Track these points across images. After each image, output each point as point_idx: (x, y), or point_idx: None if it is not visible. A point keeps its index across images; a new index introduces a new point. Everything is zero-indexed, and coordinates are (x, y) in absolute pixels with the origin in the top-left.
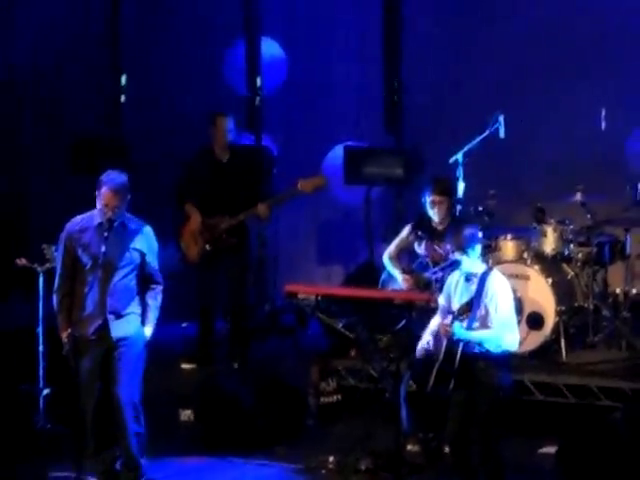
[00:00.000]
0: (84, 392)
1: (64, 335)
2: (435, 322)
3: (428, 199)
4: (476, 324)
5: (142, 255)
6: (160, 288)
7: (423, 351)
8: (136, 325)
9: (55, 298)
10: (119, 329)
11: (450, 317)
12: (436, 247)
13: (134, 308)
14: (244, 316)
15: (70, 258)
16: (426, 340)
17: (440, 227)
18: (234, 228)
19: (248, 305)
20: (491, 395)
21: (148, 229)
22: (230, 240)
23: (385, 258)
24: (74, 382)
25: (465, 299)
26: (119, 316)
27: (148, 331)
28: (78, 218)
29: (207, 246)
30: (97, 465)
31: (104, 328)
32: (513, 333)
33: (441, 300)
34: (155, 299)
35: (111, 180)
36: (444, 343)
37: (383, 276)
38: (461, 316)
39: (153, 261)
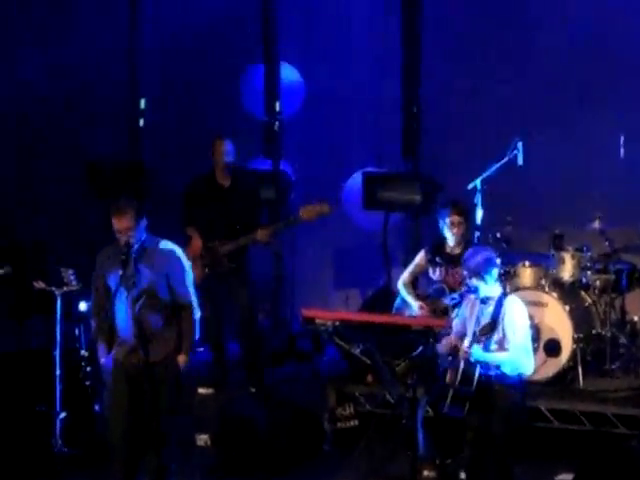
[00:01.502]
0: (112, 417)
1: (102, 361)
2: (446, 344)
3: (447, 220)
4: (494, 346)
5: (166, 277)
6: (192, 311)
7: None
8: (167, 351)
9: (92, 324)
10: (148, 355)
11: (468, 340)
12: (452, 273)
13: (166, 333)
14: (255, 341)
15: (100, 285)
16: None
17: (455, 252)
18: (234, 252)
19: (258, 329)
20: (506, 419)
21: (173, 251)
22: (229, 265)
23: (400, 284)
24: (102, 407)
25: (483, 321)
26: (148, 341)
27: (182, 358)
28: (105, 247)
29: (206, 269)
30: None
31: (133, 352)
32: (529, 357)
33: (456, 323)
34: (188, 323)
35: (115, 207)
36: (461, 366)
37: (397, 302)
38: (482, 337)
39: (181, 284)
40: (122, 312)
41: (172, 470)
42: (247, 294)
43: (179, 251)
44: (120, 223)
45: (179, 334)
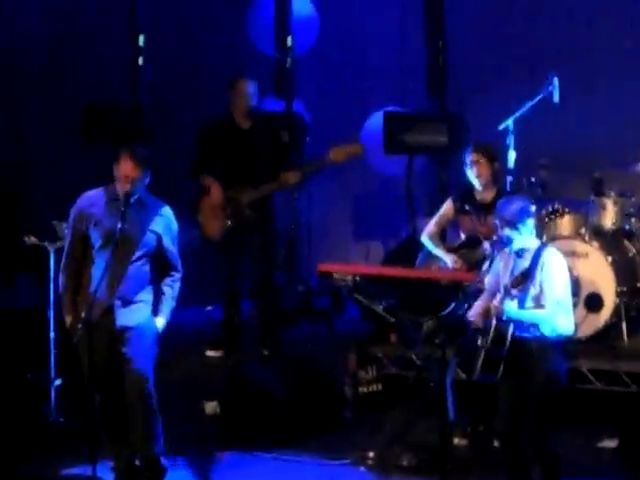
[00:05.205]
0: (92, 383)
1: (68, 320)
2: (480, 305)
3: (467, 160)
4: (529, 304)
5: (159, 238)
6: (178, 276)
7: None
8: (145, 315)
9: (61, 278)
10: (125, 317)
11: (501, 295)
12: (484, 222)
13: (145, 296)
14: (272, 298)
15: (79, 235)
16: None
17: (486, 199)
18: (258, 202)
19: (276, 286)
20: (544, 383)
21: (167, 210)
22: (253, 215)
23: (424, 238)
24: (82, 372)
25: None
26: (127, 303)
27: (160, 322)
28: (90, 192)
29: (229, 221)
30: (115, 462)
31: (109, 314)
32: (568, 315)
33: (489, 280)
34: (171, 287)
35: (127, 150)
36: (493, 324)
37: (419, 259)
38: (515, 288)
39: (171, 246)
40: (104, 268)
41: (160, 458)
42: (269, 249)
43: (170, 211)
44: (126, 168)
45: (158, 298)
